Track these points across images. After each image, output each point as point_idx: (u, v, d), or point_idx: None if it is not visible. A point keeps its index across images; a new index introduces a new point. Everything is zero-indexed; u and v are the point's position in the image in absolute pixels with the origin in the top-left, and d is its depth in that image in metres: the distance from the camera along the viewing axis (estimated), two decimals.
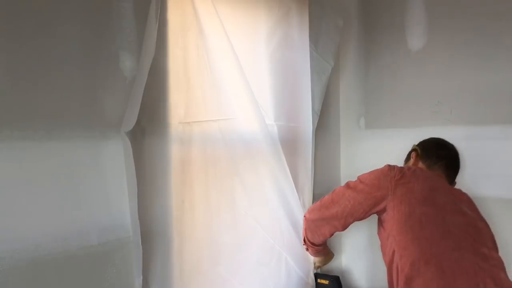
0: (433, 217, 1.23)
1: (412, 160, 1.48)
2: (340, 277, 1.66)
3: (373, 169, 1.38)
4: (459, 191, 1.40)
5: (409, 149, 1.54)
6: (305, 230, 1.51)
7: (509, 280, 1.20)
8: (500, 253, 1.30)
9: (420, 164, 1.45)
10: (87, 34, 1.04)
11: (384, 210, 1.31)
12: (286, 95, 1.62)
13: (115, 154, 1.10)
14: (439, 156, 1.46)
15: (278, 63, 1.59)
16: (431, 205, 1.25)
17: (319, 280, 1.68)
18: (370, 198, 1.33)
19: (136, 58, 1.12)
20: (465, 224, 1.24)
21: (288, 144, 1.61)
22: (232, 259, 1.39)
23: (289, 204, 1.59)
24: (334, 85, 1.88)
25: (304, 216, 1.53)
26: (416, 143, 1.53)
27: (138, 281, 1.11)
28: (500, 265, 1.22)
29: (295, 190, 1.61)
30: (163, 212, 1.18)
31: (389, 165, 1.36)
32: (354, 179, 1.80)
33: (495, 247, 1.29)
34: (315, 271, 1.69)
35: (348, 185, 1.41)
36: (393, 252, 1.25)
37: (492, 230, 1.57)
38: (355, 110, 1.93)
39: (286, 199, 1.58)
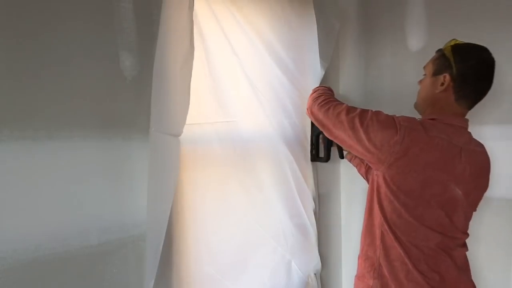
0: (411, 209, 1.21)
1: (442, 85, 1.27)
2: None
3: (384, 115, 1.25)
4: (465, 157, 1.23)
5: None
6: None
7: (461, 254, 1.29)
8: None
9: (449, 94, 1.26)
10: (87, 35, 1.04)
11: (375, 169, 1.29)
12: (292, 95, 1.62)
13: (115, 155, 1.10)
14: (476, 90, 1.26)
15: (286, 63, 1.59)
16: (416, 197, 1.21)
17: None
18: (366, 154, 1.26)
19: (137, 58, 1.12)
20: (440, 218, 1.22)
21: (291, 144, 1.62)
22: (230, 261, 1.39)
23: (296, 206, 1.59)
24: (334, 85, 1.88)
25: (309, 109, 1.49)
26: (449, 49, 1.29)
27: (149, 284, 1.11)
28: (460, 243, 1.28)
29: (307, 190, 1.61)
30: (164, 212, 1.18)
31: (400, 129, 1.19)
32: (353, 178, 1.81)
33: (462, 228, 1.28)
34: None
35: (354, 122, 1.27)
36: (379, 217, 1.27)
37: (493, 230, 1.57)
38: None
39: (293, 201, 1.58)
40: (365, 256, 1.32)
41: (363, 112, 1.29)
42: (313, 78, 1.72)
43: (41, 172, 0.96)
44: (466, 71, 1.24)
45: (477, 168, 1.27)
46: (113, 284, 1.08)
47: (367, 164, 1.63)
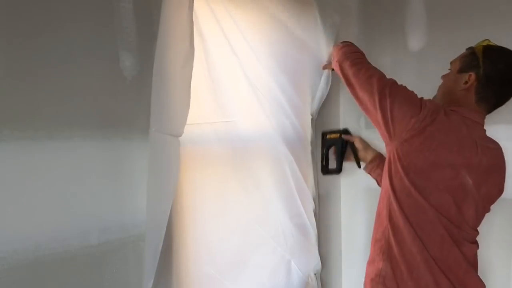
0: (420, 189, 1.22)
1: (466, 84, 1.27)
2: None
3: (412, 92, 1.28)
4: (481, 150, 1.24)
5: None
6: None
7: (471, 251, 1.28)
8: (501, 252, 1.30)
9: (470, 94, 1.27)
10: (88, 34, 1.04)
11: (386, 143, 1.30)
12: (292, 94, 1.62)
13: (115, 154, 1.10)
14: (497, 95, 1.27)
15: (286, 62, 1.59)
16: (425, 178, 1.22)
17: (328, 136, 1.70)
18: (381, 125, 1.27)
19: (137, 58, 1.12)
20: (448, 203, 1.22)
21: (292, 144, 1.62)
22: (230, 261, 1.39)
23: (296, 206, 1.59)
24: (334, 84, 1.88)
25: (338, 63, 1.46)
26: (480, 48, 1.28)
27: (148, 284, 1.11)
28: (468, 237, 1.27)
29: (307, 190, 1.61)
30: (164, 213, 1.18)
31: (423, 109, 1.21)
32: (353, 178, 1.81)
33: (472, 223, 1.28)
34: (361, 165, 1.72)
35: (384, 89, 1.26)
36: (388, 195, 1.28)
37: (493, 230, 1.56)
38: (355, 110, 1.92)
39: (293, 201, 1.58)
40: (375, 240, 1.33)
41: (395, 83, 1.30)
42: (313, 77, 1.72)
43: (41, 172, 0.96)
44: (493, 74, 1.24)
45: (492, 163, 1.28)
46: (113, 284, 1.08)
47: None
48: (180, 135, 1.15)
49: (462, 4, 1.63)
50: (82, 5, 1.03)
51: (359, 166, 1.71)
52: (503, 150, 1.34)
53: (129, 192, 1.12)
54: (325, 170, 1.75)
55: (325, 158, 1.74)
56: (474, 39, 1.32)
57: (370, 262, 1.34)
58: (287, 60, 1.60)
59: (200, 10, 1.27)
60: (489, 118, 1.35)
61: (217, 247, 1.34)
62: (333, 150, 1.73)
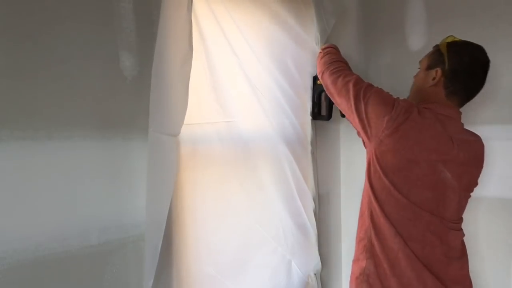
0: (399, 188, 1.24)
1: (434, 80, 1.30)
2: None
3: (387, 93, 1.31)
4: (457, 144, 1.26)
5: None
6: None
7: (457, 239, 1.30)
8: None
9: (439, 89, 1.30)
10: (88, 34, 1.04)
11: (367, 144, 1.34)
12: (292, 94, 1.62)
13: (115, 155, 1.10)
14: (466, 88, 1.29)
15: (286, 62, 1.60)
16: (403, 176, 1.24)
17: (318, 82, 1.69)
18: (359, 126, 1.31)
19: (136, 58, 1.12)
20: (429, 199, 1.24)
21: (292, 144, 1.62)
22: (231, 261, 1.39)
23: (296, 206, 1.59)
24: None
25: (320, 73, 1.51)
26: (444, 45, 1.31)
27: (148, 284, 1.11)
28: (453, 226, 1.29)
29: (307, 190, 1.61)
30: (162, 213, 1.18)
31: (396, 107, 1.24)
32: (353, 178, 1.80)
33: (456, 215, 1.30)
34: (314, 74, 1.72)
35: (359, 93, 1.31)
36: (368, 195, 1.31)
37: (493, 230, 1.57)
38: None
39: (293, 200, 1.58)
40: (358, 239, 1.35)
41: (370, 85, 1.34)
42: (311, 77, 1.72)
43: (41, 172, 0.96)
44: (458, 68, 1.27)
45: (471, 155, 1.30)
46: (113, 284, 1.08)
47: None
48: (177, 135, 1.15)
49: (462, 4, 1.63)
50: (82, 5, 1.03)
51: (342, 116, 1.72)
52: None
53: (129, 192, 1.13)
54: (315, 115, 1.75)
55: (316, 104, 1.74)
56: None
57: (355, 261, 1.36)
58: (287, 60, 1.60)
59: (201, 11, 1.27)
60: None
61: (218, 247, 1.34)
62: (324, 96, 1.73)
